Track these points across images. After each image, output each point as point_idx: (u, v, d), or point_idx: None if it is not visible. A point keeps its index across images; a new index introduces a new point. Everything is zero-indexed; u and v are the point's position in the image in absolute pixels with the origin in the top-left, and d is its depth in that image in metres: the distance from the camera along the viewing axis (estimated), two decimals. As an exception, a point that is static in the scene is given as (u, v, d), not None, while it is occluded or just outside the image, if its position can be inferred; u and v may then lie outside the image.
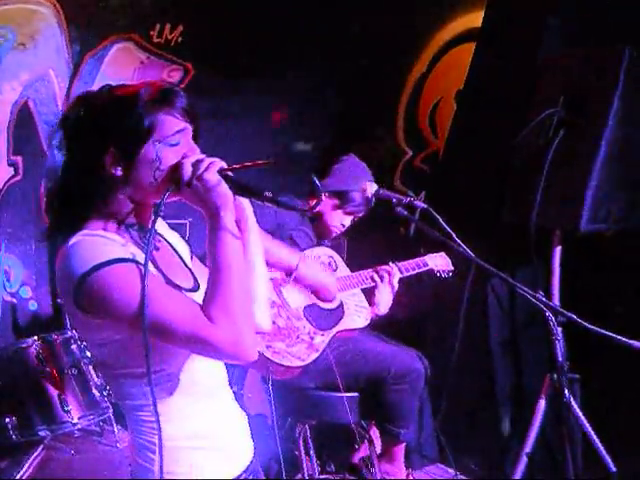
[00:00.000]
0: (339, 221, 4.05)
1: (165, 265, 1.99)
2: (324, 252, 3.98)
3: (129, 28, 5.37)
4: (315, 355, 3.63)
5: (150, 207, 1.98)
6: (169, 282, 1.95)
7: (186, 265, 2.15)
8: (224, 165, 1.90)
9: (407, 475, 4.23)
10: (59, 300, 4.48)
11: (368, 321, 3.91)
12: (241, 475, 2.06)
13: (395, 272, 4.01)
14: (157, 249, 2.05)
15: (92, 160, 1.88)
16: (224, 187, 1.87)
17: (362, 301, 3.96)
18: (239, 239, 1.91)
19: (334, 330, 3.78)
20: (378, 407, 3.91)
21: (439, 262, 4.22)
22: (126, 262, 1.81)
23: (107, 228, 1.91)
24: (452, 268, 4.24)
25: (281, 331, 3.58)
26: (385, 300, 3.98)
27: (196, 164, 1.87)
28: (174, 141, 1.90)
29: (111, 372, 1.96)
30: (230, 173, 1.90)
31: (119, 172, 1.87)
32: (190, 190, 1.87)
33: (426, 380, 4.01)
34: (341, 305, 3.88)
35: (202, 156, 1.91)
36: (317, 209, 3.92)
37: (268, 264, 3.38)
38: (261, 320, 2.06)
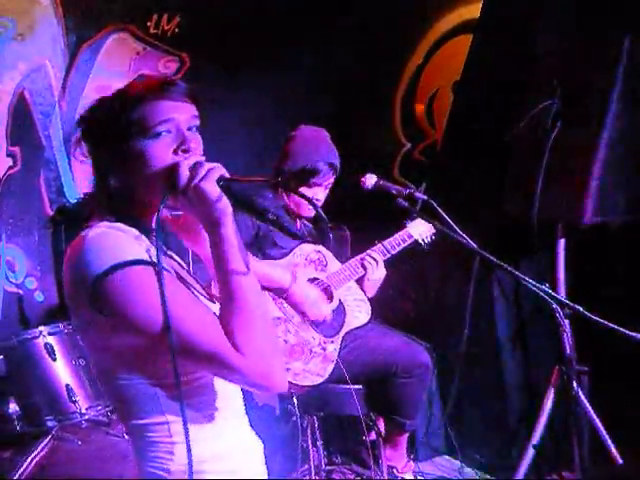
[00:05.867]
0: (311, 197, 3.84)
1: (184, 278, 1.85)
2: (312, 249, 3.89)
3: (126, 19, 5.37)
4: (332, 366, 3.63)
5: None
6: (192, 293, 1.77)
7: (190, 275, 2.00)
8: (225, 173, 1.69)
9: (408, 462, 4.24)
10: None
11: (369, 315, 3.89)
12: None
13: (382, 253, 3.97)
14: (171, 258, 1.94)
15: (98, 161, 1.78)
16: (224, 200, 1.66)
17: (359, 294, 3.93)
18: (245, 255, 1.70)
19: (341, 334, 3.76)
20: (385, 399, 3.92)
21: (421, 229, 4.08)
22: (145, 265, 1.64)
23: (125, 222, 1.73)
24: (434, 231, 4.08)
25: (294, 348, 3.55)
26: (374, 284, 3.97)
27: (194, 169, 1.67)
28: (161, 130, 1.71)
29: (117, 383, 1.73)
30: (230, 183, 1.69)
31: (113, 171, 1.74)
32: (185, 198, 1.68)
33: (433, 373, 4.03)
34: (341, 304, 3.84)
35: (201, 159, 1.73)
36: (290, 204, 3.90)
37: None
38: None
